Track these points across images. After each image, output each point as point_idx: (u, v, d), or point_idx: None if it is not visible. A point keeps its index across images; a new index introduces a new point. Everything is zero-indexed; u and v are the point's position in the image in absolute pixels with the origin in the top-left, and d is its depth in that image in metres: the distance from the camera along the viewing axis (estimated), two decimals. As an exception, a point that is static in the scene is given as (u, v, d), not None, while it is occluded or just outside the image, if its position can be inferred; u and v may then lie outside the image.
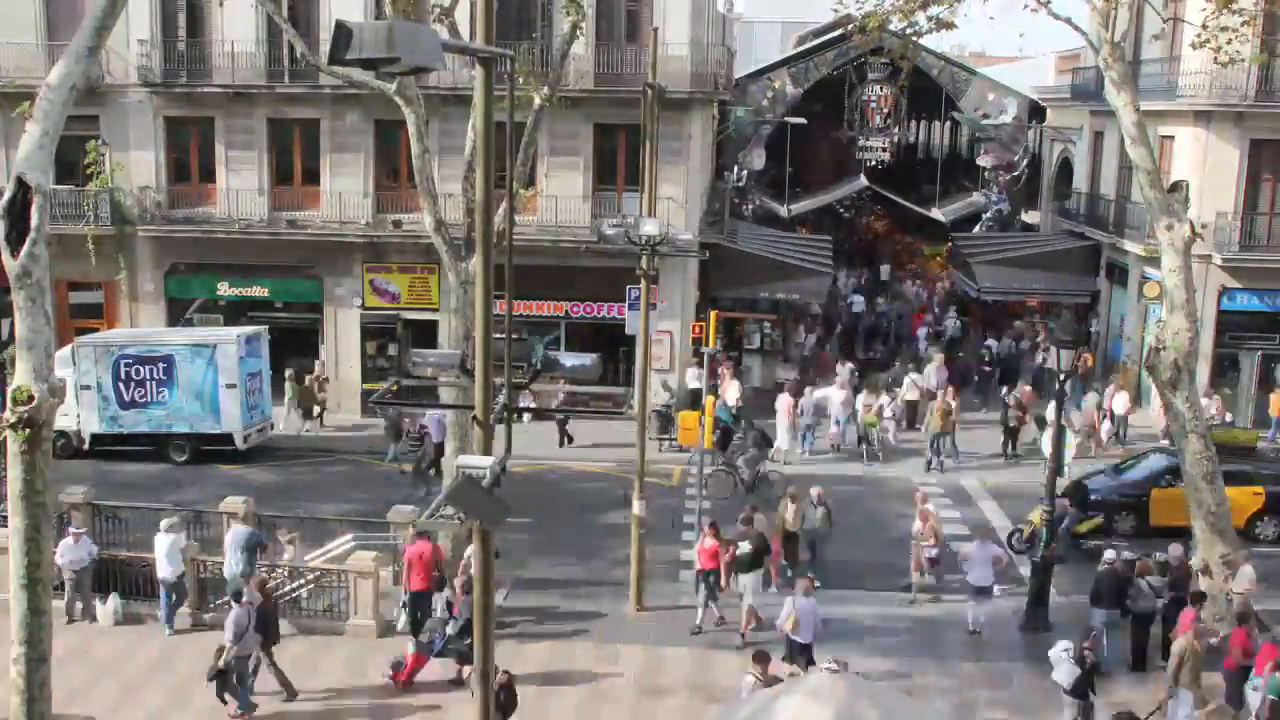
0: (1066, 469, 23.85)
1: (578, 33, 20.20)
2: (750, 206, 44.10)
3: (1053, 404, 20.03)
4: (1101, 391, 30.46)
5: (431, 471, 25.02)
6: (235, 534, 18.83)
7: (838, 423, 29.13)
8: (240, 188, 31.15)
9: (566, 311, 31.36)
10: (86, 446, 27.31)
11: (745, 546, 18.85)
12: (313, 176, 31.51)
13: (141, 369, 27.18)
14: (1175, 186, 19.18)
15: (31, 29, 30.54)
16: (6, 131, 29.25)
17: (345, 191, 30.97)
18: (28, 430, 10.40)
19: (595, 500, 25.33)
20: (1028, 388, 30.62)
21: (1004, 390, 31.07)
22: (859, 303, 43.13)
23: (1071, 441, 24.34)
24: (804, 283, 34.21)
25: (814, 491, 21.21)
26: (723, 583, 19.15)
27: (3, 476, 17.53)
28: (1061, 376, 19.31)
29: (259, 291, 32.06)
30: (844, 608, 19.21)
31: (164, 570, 18.55)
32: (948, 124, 49.54)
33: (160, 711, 16.37)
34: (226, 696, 16.17)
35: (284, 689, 16.71)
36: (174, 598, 18.73)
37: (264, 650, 16.67)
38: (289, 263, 31.56)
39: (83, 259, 27.06)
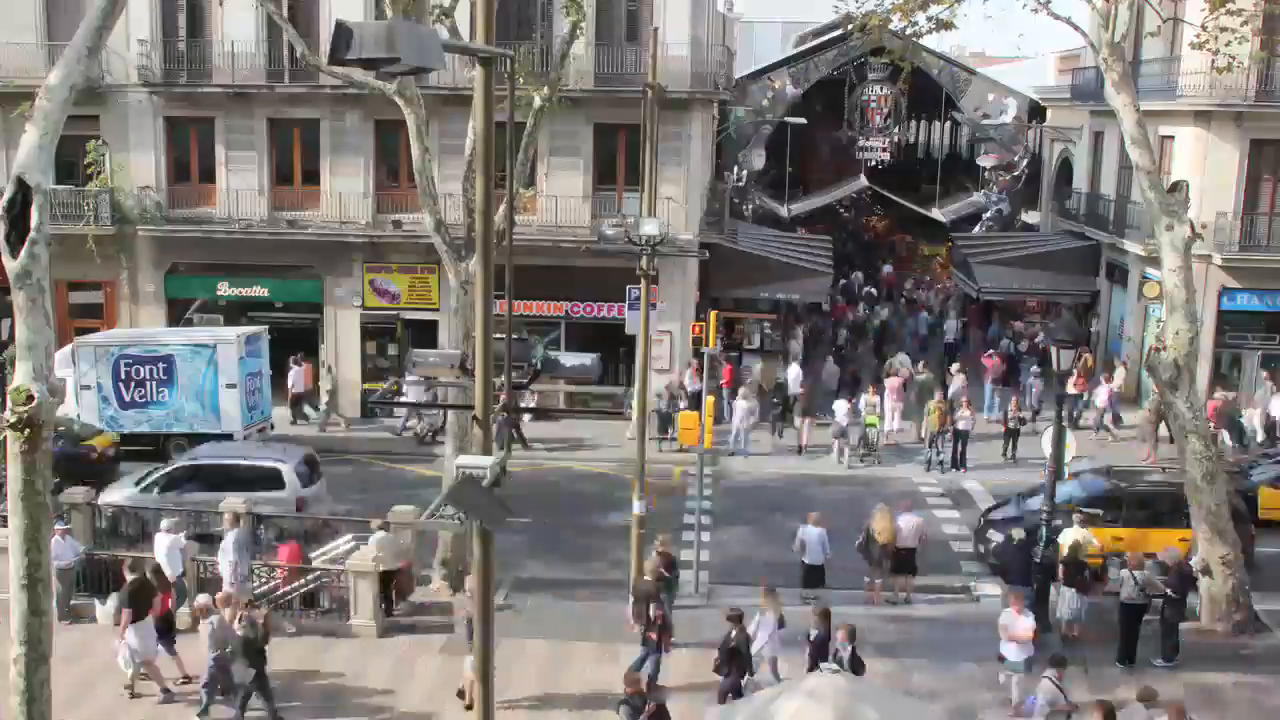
0: (1067, 469, 23.79)
1: (578, 33, 20.23)
2: (750, 206, 44.08)
3: (1053, 403, 20.02)
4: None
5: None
6: (235, 535, 18.79)
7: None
8: (240, 188, 31.16)
9: (566, 311, 31.33)
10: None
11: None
12: (313, 177, 31.50)
13: (141, 369, 27.17)
14: (1175, 187, 19.17)
15: (31, 29, 30.53)
16: (6, 131, 29.21)
17: (345, 192, 30.98)
18: (27, 430, 10.40)
19: (595, 500, 25.27)
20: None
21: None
22: (883, 314, 42.27)
23: (1071, 442, 24.27)
24: (804, 283, 34.19)
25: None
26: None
27: (2, 477, 17.69)
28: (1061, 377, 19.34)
29: (259, 292, 32.05)
30: (844, 608, 19.13)
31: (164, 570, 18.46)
32: (948, 124, 49.51)
33: (160, 712, 16.34)
34: (218, 698, 16.09)
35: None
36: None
37: (257, 686, 15.83)
38: (289, 263, 31.57)
39: (83, 259, 27.04)
